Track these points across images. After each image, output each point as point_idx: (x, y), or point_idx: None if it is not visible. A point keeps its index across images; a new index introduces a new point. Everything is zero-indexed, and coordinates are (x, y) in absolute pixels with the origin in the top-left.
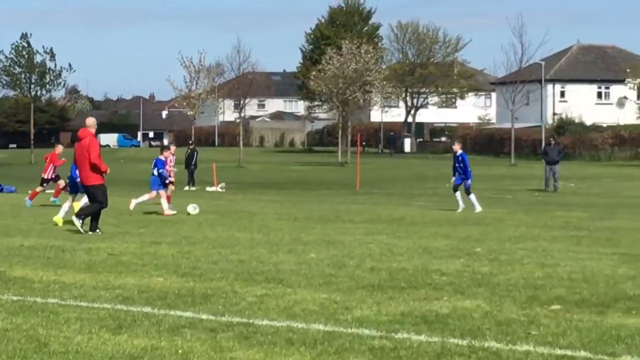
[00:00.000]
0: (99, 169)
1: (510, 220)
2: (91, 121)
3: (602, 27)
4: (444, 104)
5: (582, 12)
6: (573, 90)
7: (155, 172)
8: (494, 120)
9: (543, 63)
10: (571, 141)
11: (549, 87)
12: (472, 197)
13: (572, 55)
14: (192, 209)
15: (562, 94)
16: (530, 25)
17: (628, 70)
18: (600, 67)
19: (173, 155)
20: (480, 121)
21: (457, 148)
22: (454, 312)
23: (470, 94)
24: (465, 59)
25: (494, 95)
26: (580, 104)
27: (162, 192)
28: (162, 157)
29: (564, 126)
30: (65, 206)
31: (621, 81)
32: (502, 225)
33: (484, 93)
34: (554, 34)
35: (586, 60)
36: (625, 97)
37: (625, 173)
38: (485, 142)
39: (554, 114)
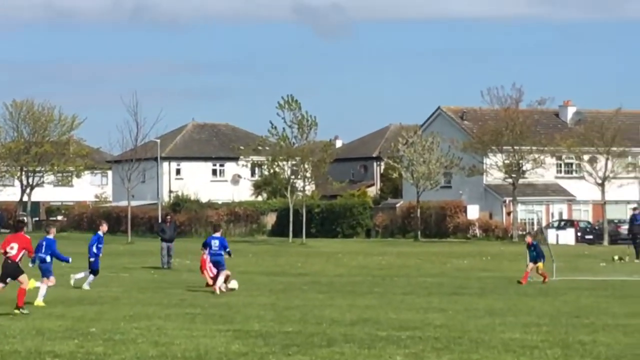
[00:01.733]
0: None
1: (126, 299)
2: None
3: (216, 105)
4: (60, 183)
5: (197, 91)
6: (189, 167)
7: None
8: (110, 198)
9: (159, 141)
10: (187, 218)
11: (165, 164)
12: (82, 275)
13: (187, 133)
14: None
15: (178, 171)
16: (145, 103)
17: (241, 147)
18: (215, 144)
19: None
20: (97, 199)
21: (105, 229)
22: None
23: (86, 172)
24: (82, 137)
25: (110, 173)
26: (196, 181)
27: None
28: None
29: (180, 203)
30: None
31: (235, 159)
32: (117, 304)
33: (100, 171)
34: (169, 112)
35: (201, 138)
36: (239, 175)
37: (240, 248)
38: (102, 220)
39: (170, 191)
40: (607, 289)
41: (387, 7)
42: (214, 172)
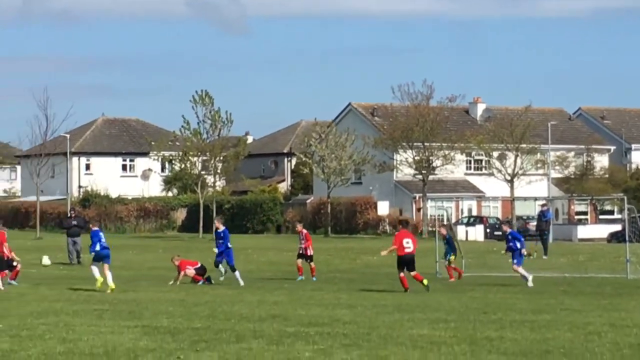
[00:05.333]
0: None
1: (32, 295)
2: None
3: (125, 101)
4: None
5: (105, 86)
6: (98, 162)
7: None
8: (19, 193)
9: (68, 136)
10: (97, 213)
11: (75, 159)
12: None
13: (97, 128)
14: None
15: (88, 166)
16: (55, 98)
17: (152, 142)
18: (125, 139)
19: None
20: (6, 194)
21: (218, 225)
22: None
23: None
24: None
25: (19, 168)
26: (106, 176)
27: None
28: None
29: (89, 199)
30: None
31: (145, 154)
32: (24, 300)
33: (9, 166)
34: (79, 107)
35: (111, 133)
36: (149, 170)
37: (149, 244)
38: (11, 215)
39: (80, 186)
40: (515, 285)
41: (295, 3)
42: (124, 167)
